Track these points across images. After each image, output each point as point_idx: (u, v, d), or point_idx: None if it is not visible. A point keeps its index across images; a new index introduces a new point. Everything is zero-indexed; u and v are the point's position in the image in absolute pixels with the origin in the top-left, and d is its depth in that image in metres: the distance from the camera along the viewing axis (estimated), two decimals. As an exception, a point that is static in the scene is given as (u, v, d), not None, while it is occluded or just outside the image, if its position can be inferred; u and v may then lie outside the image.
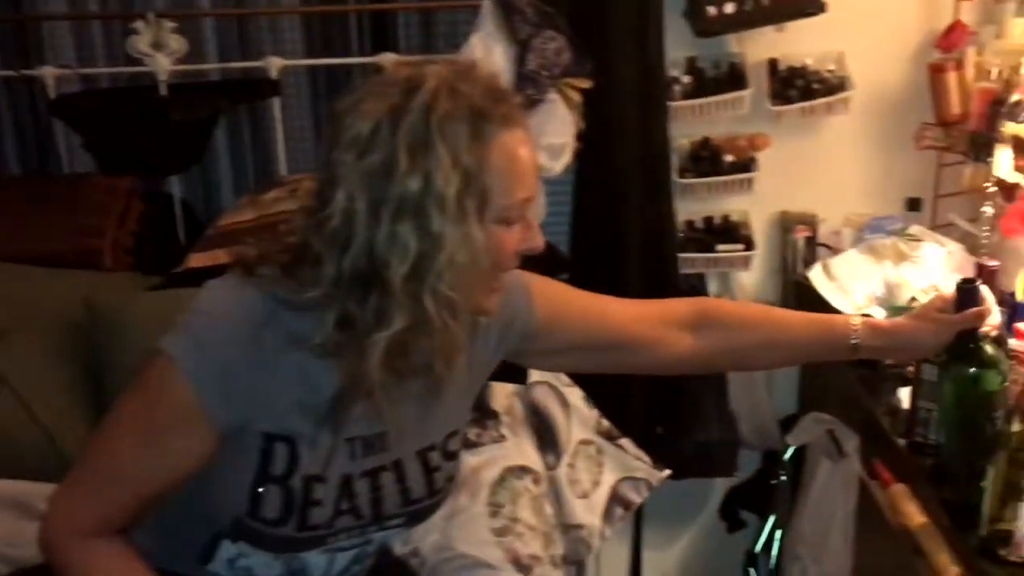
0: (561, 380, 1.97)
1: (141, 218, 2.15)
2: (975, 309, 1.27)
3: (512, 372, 1.81)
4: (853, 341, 1.29)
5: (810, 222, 2.27)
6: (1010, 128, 1.36)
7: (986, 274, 1.42)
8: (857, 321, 1.31)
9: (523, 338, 1.26)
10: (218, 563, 1.14)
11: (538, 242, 1.08)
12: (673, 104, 2.15)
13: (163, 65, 2.15)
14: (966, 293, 1.25)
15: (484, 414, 1.77)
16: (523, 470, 1.70)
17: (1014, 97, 1.36)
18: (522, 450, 1.76)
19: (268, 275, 1.05)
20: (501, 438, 1.75)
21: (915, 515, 1.47)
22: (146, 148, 2.16)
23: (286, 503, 1.08)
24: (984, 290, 1.28)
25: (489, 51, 1.99)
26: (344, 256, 1.00)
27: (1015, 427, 1.18)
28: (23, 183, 2.28)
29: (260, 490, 1.07)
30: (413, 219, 0.98)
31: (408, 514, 1.19)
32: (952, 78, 2.02)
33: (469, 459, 1.67)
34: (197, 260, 1.89)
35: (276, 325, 1.03)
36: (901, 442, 1.57)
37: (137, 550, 1.11)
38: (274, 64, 2.18)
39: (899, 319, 1.34)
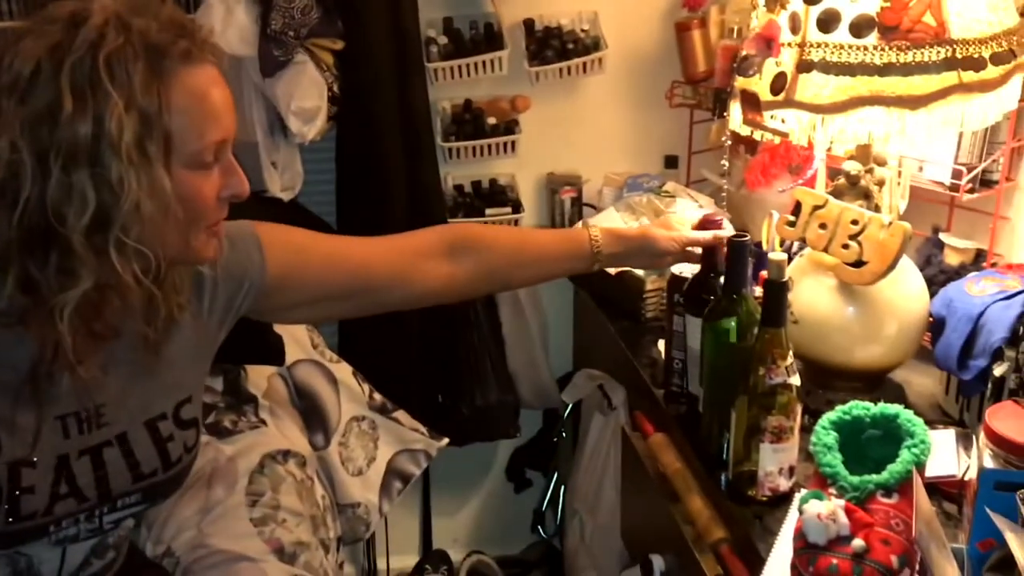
0: (327, 357, 1.89)
1: None
2: (712, 234, 1.45)
3: (263, 348, 1.72)
4: (595, 249, 1.38)
5: (575, 183, 2.30)
6: (739, 82, 1.40)
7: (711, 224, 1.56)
8: (597, 231, 1.39)
9: (260, 294, 1.20)
10: None
11: (242, 188, 1.03)
12: (431, 66, 2.10)
13: None
14: (736, 247, 1.33)
15: (240, 399, 1.67)
16: (286, 454, 1.62)
17: (742, 53, 1.40)
18: (285, 433, 1.67)
19: None
20: (260, 423, 1.65)
21: (672, 462, 1.51)
22: None
23: None
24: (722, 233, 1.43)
25: (230, 10, 1.85)
26: (14, 213, 0.91)
27: (756, 373, 1.22)
28: None
29: None
30: (87, 167, 0.91)
31: (143, 490, 1.11)
32: (696, 36, 2.08)
33: (225, 448, 1.57)
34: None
35: None
36: (659, 392, 1.61)
37: None
38: None
39: (636, 227, 1.42)
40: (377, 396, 1.95)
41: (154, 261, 0.97)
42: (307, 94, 1.88)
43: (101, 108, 0.90)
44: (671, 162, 2.30)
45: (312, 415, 1.81)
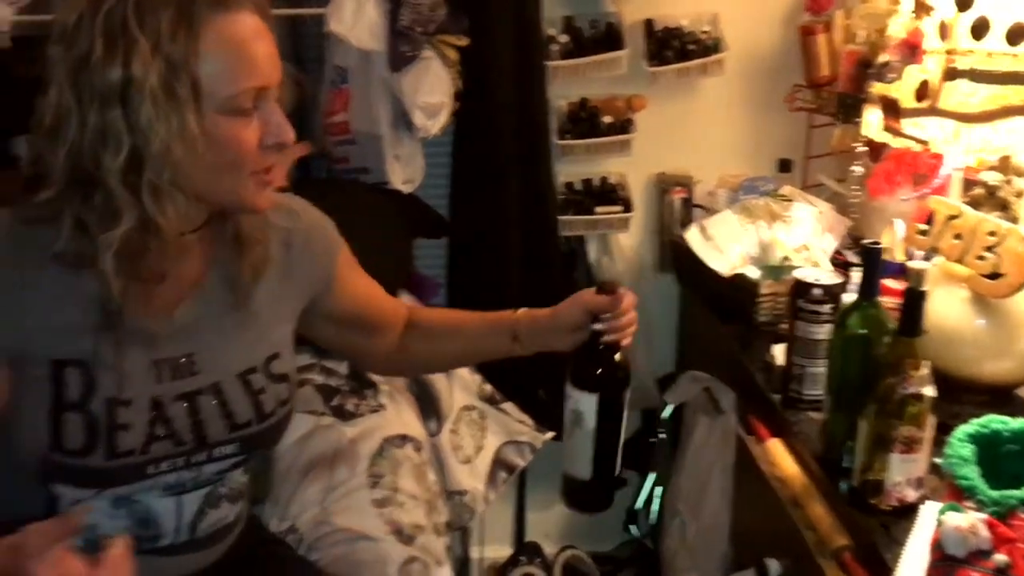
0: (442, 345, 1.93)
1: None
2: (607, 299, 1.23)
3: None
4: (514, 330, 1.31)
5: (686, 183, 2.29)
6: (878, 88, 1.39)
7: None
8: (519, 312, 1.32)
9: (323, 287, 1.25)
10: None
11: (285, 135, 1.04)
12: (551, 64, 2.12)
13: (4, 16, 1.98)
14: (870, 254, 1.30)
15: (362, 384, 1.72)
16: (403, 438, 1.66)
17: (882, 58, 1.38)
18: (402, 418, 1.72)
19: (18, 200, 1.04)
20: (380, 407, 1.70)
21: (791, 467, 1.50)
22: (-12, 106, 2.00)
23: (89, 429, 1.04)
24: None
25: (361, 5, 1.91)
26: (62, 155, 0.98)
27: (886, 381, 1.21)
28: None
29: (59, 419, 1.04)
30: (120, 110, 0.96)
31: (239, 440, 1.14)
32: (821, 40, 2.06)
33: (347, 431, 1.63)
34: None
35: (29, 244, 1.02)
36: (776, 397, 1.61)
37: None
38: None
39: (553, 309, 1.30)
40: (487, 386, 1.98)
41: (192, 205, 1.03)
42: (433, 89, 1.92)
43: (129, 53, 0.95)
44: (785, 166, 2.28)
45: (426, 402, 1.85)
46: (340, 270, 1.27)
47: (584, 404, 1.21)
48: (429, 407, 1.85)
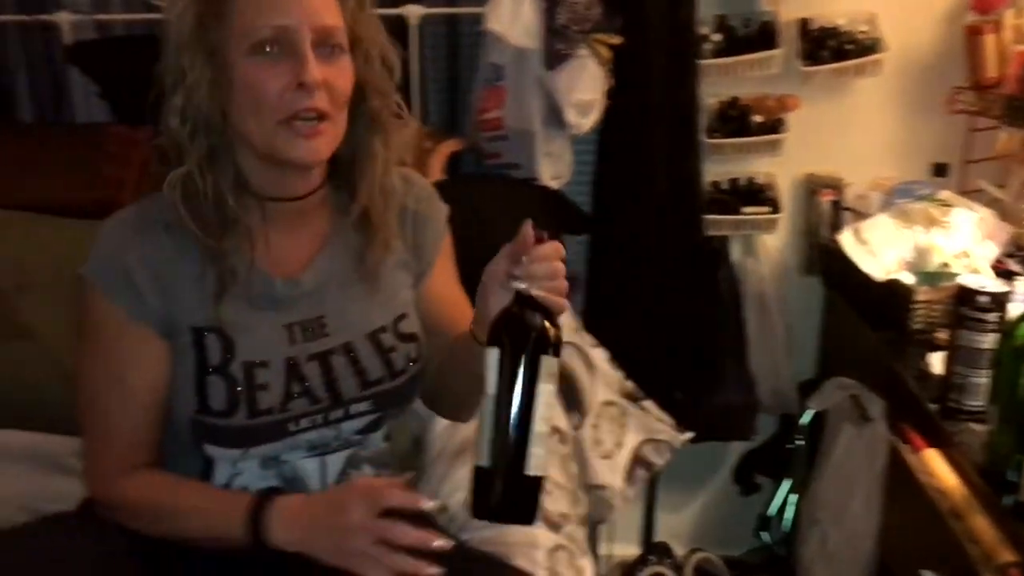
0: (586, 340, 1.95)
1: (160, 169, 2.11)
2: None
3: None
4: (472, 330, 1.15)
5: (836, 185, 2.25)
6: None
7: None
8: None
9: (418, 272, 1.26)
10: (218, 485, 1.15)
11: (303, 74, 1.02)
12: (703, 62, 2.11)
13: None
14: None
15: (512, 372, 1.75)
16: (551, 429, 1.68)
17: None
18: (549, 409, 1.74)
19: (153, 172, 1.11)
20: (529, 397, 1.73)
21: (949, 479, 1.46)
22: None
23: (230, 391, 1.10)
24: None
25: (518, 4, 1.94)
26: (175, 120, 1.06)
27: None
28: (38, 131, 2.23)
29: (203, 382, 1.10)
30: (173, 56, 1.04)
31: (372, 396, 1.18)
32: (989, 41, 1.99)
33: (497, 417, 1.66)
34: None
35: (176, 219, 1.08)
36: (934, 407, 1.57)
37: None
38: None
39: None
40: (628, 384, 1.99)
41: (263, 164, 1.08)
42: (587, 87, 1.94)
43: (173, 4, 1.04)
44: (940, 170, 2.21)
45: (569, 395, 1.87)
46: (441, 259, 1.27)
47: (487, 363, 0.95)
48: (572, 400, 1.88)
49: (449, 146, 2.05)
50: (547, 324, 0.97)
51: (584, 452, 1.87)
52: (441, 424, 1.63)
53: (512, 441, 0.94)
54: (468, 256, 1.77)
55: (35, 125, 2.27)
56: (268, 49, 1.03)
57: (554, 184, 2.07)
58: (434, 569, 0.99)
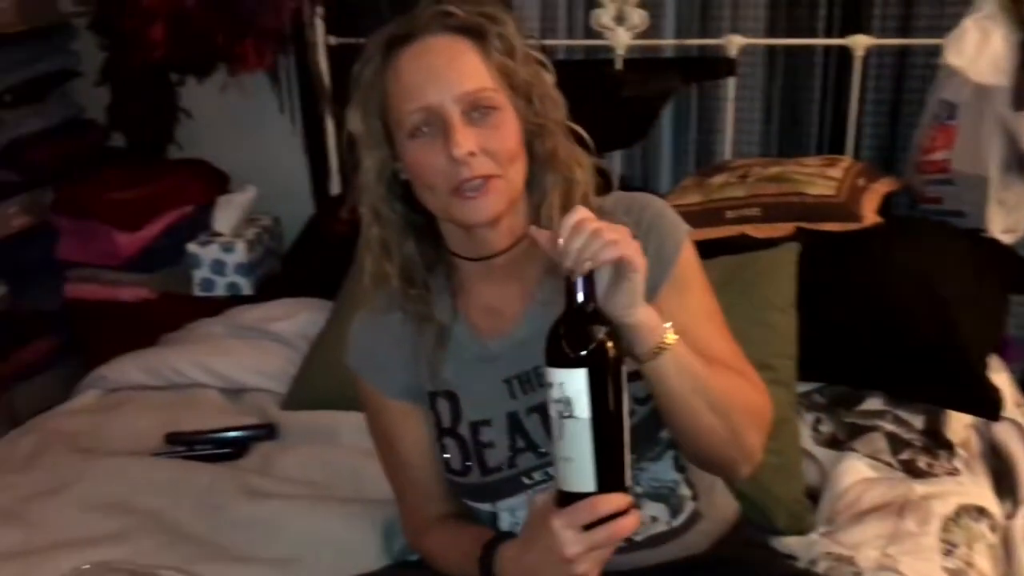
0: (1029, 419, 1.71)
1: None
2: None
3: (977, 401, 1.61)
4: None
5: None
6: None
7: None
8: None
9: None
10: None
11: (453, 148, 1.01)
12: None
13: (623, 40, 2.17)
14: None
15: (938, 443, 1.58)
16: (980, 512, 1.49)
17: None
18: (980, 489, 1.54)
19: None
20: (955, 471, 1.54)
21: None
22: (595, 122, 2.19)
23: (462, 451, 1.14)
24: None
25: (986, 36, 1.75)
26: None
27: None
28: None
29: (442, 444, 1.16)
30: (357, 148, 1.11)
31: None
32: None
33: (917, 487, 1.50)
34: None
35: (399, 296, 1.14)
36: None
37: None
38: (734, 42, 2.10)
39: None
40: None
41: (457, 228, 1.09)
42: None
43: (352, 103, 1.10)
44: None
45: (1002, 478, 1.65)
46: (664, 289, 1.08)
47: (569, 385, 0.90)
48: (1005, 485, 1.64)
49: (885, 185, 1.91)
50: (604, 324, 0.93)
51: (1012, 547, 1.63)
52: (843, 484, 1.52)
53: (615, 461, 0.92)
54: (902, 307, 1.65)
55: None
56: (424, 130, 1.04)
57: (1006, 238, 1.84)
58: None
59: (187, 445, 1.69)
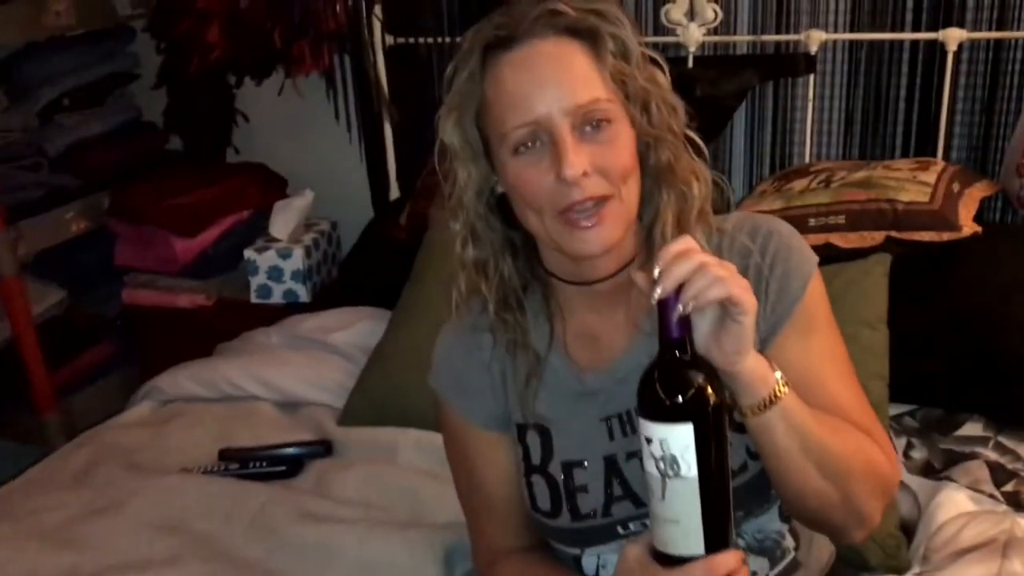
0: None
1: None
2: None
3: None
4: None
5: None
6: None
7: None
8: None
9: (763, 335, 0.98)
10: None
11: (562, 169, 0.91)
12: None
13: (694, 36, 2.06)
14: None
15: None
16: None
17: None
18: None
19: None
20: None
21: None
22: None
23: (552, 492, 1.05)
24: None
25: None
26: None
27: None
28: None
29: (530, 481, 1.06)
30: (449, 161, 1.01)
31: None
32: None
33: (1021, 521, 1.38)
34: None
35: (485, 325, 1.06)
36: None
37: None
38: (813, 37, 1.99)
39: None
40: None
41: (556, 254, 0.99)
42: None
43: (441, 112, 0.99)
44: None
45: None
46: (786, 329, 0.98)
47: (674, 441, 0.82)
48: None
49: (981, 190, 1.77)
50: (704, 371, 0.84)
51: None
52: (942, 518, 1.41)
53: (723, 520, 0.85)
54: (1005, 323, 1.53)
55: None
56: (529, 145, 0.94)
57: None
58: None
59: (241, 462, 1.63)
